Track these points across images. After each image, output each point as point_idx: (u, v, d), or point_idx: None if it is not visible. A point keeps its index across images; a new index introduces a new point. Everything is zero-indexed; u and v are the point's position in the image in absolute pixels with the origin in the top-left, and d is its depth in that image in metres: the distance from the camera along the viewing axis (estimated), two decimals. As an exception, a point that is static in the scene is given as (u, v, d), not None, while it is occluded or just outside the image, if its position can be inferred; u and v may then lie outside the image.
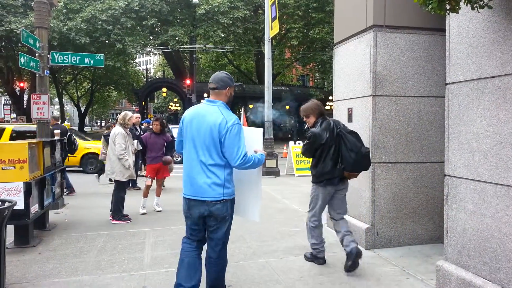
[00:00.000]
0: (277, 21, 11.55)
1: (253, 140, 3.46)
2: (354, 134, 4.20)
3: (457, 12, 2.93)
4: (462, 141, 3.41)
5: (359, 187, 5.14)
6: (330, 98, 28.29)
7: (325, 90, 28.29)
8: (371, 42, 4.89)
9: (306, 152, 4.36)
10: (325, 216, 6.14)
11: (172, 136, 7.50)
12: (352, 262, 4.08)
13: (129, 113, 6.78)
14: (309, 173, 12.12)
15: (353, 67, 5.30)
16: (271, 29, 11.93)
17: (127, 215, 6.49)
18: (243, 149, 3.10)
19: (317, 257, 4.49)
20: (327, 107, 30.00)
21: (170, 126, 13.51)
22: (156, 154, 7.04)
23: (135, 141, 7.26)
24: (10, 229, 4.75)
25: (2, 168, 4.78)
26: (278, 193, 8.94)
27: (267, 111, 12.41)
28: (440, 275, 3.63)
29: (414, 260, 4.56)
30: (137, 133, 9.30)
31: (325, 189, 4.27)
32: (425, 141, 5.02)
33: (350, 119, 5.34)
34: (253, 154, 3.24)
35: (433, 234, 5.08)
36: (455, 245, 3.50)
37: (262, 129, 3.60)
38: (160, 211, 7.14)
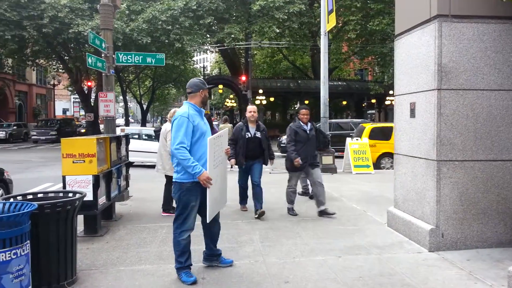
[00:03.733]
0: (333, 14, 11.31)
1: (223, 142, 4.23)
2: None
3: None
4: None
5: (422, 186, 4.91)
6: (391, 92, 27.25)
7: (385, 84, 27.29)
8: (436, 33, 4.63)
9: None
10: (385, 215, 5.97)
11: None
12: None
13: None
14: (367, 170, 11.84)
15: (416, 60, 5.06)
16: (328, 22, 11.70)
17: None
18: (179, 140, 3.74)
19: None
20: (387, 102, 29.02)
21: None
22: None
23: None
24: (80, 219, 5.07)
25: (73, 162, 5.12)
26: (335, 190, 8.78)
27: (323, 106, 12.22)
28: (513, 282, 3.38)
29: (483, 264, 4.28)
30: None
31: None
32: (496, 138, 4.68)
33: (412, 114, 5.11)
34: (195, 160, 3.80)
35: (504, 238, 4.73)
36: (531, 250, 3.23)
37: (226, 130, 4.66)
38: None
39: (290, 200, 6.64)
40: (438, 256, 4.57)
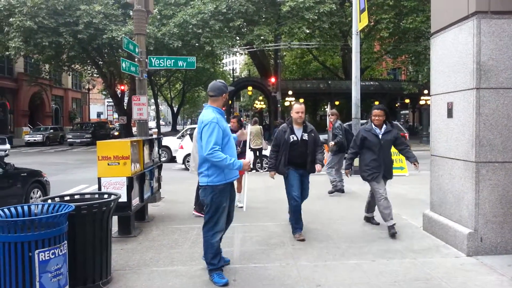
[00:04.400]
0: (366, 12, 11.11)
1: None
2: None
3: None
4: None
5: (460, 189, 4.73)
6: (425, 92, 26.50)
7: (419, 84, 26.58)
8: (474, 30, 4.46)
9: None
10: (420, 218, 5.80)
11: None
12: None
13: None
14: (401, 172, 11.55)
15: (453, 58, 4.89)
16: (360, 21, 11.50)
17: None
18: (212, 144, 3.76)
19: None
20: (422, 102, 28.18)
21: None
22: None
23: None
24: (114, 220, 5.17)
25: (108, 164, 5.24)
26: (367, 193, 8.59)
27: (355, 107, 12.02)
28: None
29: (526, 271, 4.08)
30: None
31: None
32: (540, 138, 4.45)
33: (450, 114, 4.93)
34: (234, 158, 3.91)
35: (550, 243, 4.49)
36: None
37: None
38: (241, 207, 7.29)
39: (387, 213, 5.35)
40: (477, 261, 4.39)
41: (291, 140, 5.30)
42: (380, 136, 5.48)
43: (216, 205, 3.92)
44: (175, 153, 14.93)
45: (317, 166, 5.37)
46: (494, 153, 4.45)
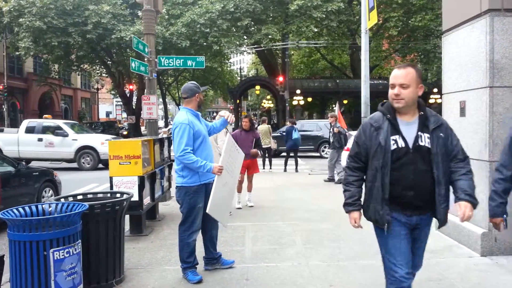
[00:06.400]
0: (375, 11, 11.01)
1: (235, 158, 4.22)
2: None
3: None
4: None
5: (473, 187, 4.68)
6: (435, 90, 26.32)
7: (429, 82, 26.37)
8: (487, 28, 4.41)
9: None
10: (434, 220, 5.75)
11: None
12: None
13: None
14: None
15: (466, 57, 4.84)
16: (369, 20, 11.41)
17: None
18: (183, 146, 3.80)
19: None
20: (431, 100, 27.98)
21: None
22: (246, 150, 7.16)
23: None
24: (126, 218, 5.20)
25: (120, 163, 5.27)
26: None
27: (364, 106, 11.94)
28: None
29: (542, 272, 4.04)
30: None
31: None
32: (555, 137, 4.39)
33: (462, 113, 4.89)
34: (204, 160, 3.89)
35: None
36: None
37: (243, 156, 4.51)
38: (252, 206, 7.30)
39: None
40: (491, 261, 4.35)
41: (394, 147, 2.55)
42: None
43: (191, 205, 3.98)
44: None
45: (462, 208, 2.49)
46: (508, 152, 4.39)
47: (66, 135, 14.19)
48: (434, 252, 4.69)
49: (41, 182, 7.09)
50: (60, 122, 15.73)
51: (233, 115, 4.48)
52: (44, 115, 24.02)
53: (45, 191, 7.22)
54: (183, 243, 4.05)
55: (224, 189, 4.05)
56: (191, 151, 3.87)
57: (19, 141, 14.30)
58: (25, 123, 15.06)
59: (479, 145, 4.56)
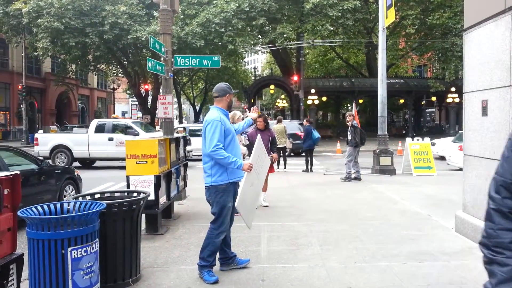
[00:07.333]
0: (392, 8, 10.90)
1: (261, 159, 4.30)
2: None
3: None
4: None
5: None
6: (452, 89, 25.86)
7: (446, 81, 25.94)
8: (511, 25, 4.28)
9: None
10: (452, 220, 5.63)
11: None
12: None
13: (238, 113, 6.96)
14: (429, 172, 11.36)
15: (488, 54, 4.72)
16: (386, 17, 11.29)
17: None
18: (216, 142, 3.81)
19: None
20: (449, 100, 27.52)
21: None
22: None
23: (243, 136, 7.46)
24: (142, 217, 5.23)
25: (137, 162, 5.29)
26: (395, 193, 8.44)
27: (381, 105, 11.81)
28: None
29: None
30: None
31: None
32: None
33: (484, 112, 4.76)
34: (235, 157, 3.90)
35: None
36: None
37: (269, 162, 4.62)
38: (267, 206, 7.25)
39: None
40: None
41: None
42: None
43: (221, 204, 3.98)
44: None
45: None
46: (533, 153, 4.26)
47: (137, 134, 14.37)
48: (455, 254, 4.59)
49: (63, 180, 7.25)
50: (129, 122, 16.03)
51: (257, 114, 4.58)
52: (112, 115, 24.39)
53: (67, 188, 7.37)
54: (210, 241, 4.03)
55: (251, 189, 4.07)
56: (223, 147, 3.89)
57: (89, 141, 14.53)
58: (95, 122, 15.30)
59: (502, 145, 4.43)
